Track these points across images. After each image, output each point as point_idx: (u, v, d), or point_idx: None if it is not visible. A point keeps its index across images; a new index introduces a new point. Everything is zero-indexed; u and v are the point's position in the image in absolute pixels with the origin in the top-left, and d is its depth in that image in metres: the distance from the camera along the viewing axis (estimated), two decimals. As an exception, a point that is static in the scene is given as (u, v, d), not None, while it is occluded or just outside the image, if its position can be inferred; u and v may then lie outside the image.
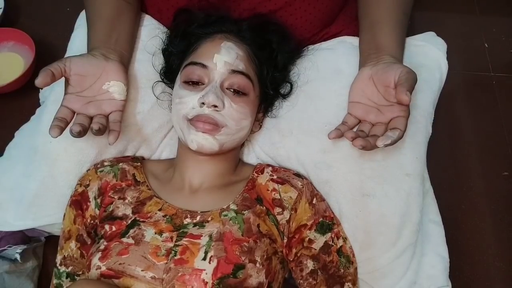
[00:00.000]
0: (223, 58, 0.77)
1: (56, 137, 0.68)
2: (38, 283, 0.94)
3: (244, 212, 0.73)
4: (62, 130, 0.69)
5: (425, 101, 0.87)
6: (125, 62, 0.82)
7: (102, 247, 0.71)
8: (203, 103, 0.74)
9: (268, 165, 0.83)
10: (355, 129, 0.76)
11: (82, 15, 0.96)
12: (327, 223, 0.77)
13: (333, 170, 0.80)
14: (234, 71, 0.77)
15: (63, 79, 0.74)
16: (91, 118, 0.73)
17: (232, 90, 0.77)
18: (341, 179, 0.80)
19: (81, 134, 0.69)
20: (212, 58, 0.77)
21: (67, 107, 0.73)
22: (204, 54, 0.78)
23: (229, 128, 0.76)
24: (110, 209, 0.76)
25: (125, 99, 0.79)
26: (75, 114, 0.73)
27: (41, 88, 1.08)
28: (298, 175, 0.81)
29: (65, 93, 0.74)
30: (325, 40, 0.94)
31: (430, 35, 0.98)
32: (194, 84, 0.77)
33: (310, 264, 0.75)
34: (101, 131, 0.71)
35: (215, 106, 0.74)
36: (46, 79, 0.69)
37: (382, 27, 0.81)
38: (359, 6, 0.87)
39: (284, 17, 0.88)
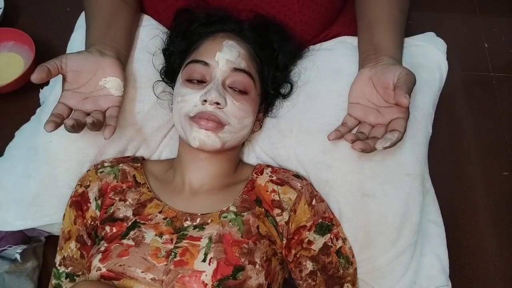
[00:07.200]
0: (225, 56, 0.77)
1: (51, 132, 0.68)
2: (38, 283, 0.94)
3: (244, 214, 0.73)
4: (57, 125, 0.69)
5: (425, 101, 0.87)
6: (122, 59, 0.82)
7: (102, 248, 0.71)
8: (205, 101, 0.74)
9: (268, 166, 0.83)
10: (354, 130, 0.76)
11: (83, 16, 0.96)
12: (326, 224, 0.77)
13: (333, 170, 0.80)
14: (236, 69, 0.77)
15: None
16: (88, 115, 0.73)
17: (233, 88, 0.77)
18: (341, 179, 0.80)
19: (74, 127, 0.69)
20: (214, 56, 0.77)
21: (63, 104, 0.73)
22: (206, 52, 0.78)
23: (232, 126, 0.76)
24: (111, 211, 0.76)
25: (122, 94, 0.79)
26: (73, 110, 0.73)
27: (41, 88, 1.08)
28: (297, 176, 0.81)
29: (62, 90, 0.75)
30: (325, 41, 0.94)
31: (430, 36, 0.98)
32: (195, 82, 0.77)
33: (309, 265, 0.75)
34: (95, 125, 0.71)
35: (218, 104, 0.74)
36: (41, 74, 0.69)
37: (379, 27, 0.80)
38: (356, 6, 0.87)
39: (284, 20, 0.88)
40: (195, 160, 0.79)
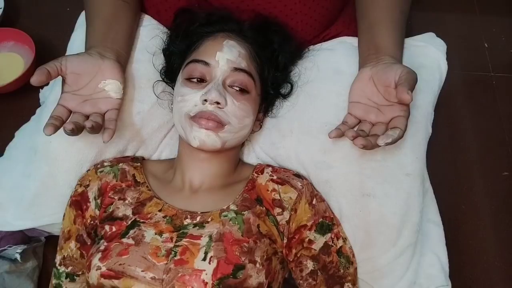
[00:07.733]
0: (225, 56, 0.77)
1: (50, 135, 0.68)
2: (38, 283, 0.94)
3: (244, 213, 0.73)
4: (56, 128, 0.69)
5: (425, 101, 0.87)
6: (122, 61, 0.82)
7: (102, 247, 0.71)
8: (205, 100, 0.74)
9: (268, 165, 0.83)
10: (355, 129, 0.76)
11: (83, 15, 0.96)
12: (327, 223, 0.77)
13: (333, 170, 0.80)
14: (236, 69, 0.77)
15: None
16: (87, 117, 0.73)
17: (234, 87, 0.77)
18: (341, 179, 0.80)
19: (74, 131, 0.69)
20: (214, 56, 0.77)
21: (63, 106, 0.73)
22: (206, 52, 0.78)
23: (232, 126, 0.76)
24: (110, 210, 0.76)
25: (122, 97, 0.79)
26: (72, 112, 0.73)
27: (41, 88, 1.08)
28: (298, 175, 0.81)
29: (62, 92, 0.74)
30: (325, 41, 0.94)
31: (430, 36, 0.98)
32: (196, 81, 0.77)
33: (310, 265, 0.75)
34: (94, 129, 0.71)
35: (218, 103, 0.74)
36: (41, 77, 0.69)
37: (381, 28, 0.80)
38: (357, 7, 0.87)
39: (285, 21, 0.89)
40: (195, 160, 0.79)
